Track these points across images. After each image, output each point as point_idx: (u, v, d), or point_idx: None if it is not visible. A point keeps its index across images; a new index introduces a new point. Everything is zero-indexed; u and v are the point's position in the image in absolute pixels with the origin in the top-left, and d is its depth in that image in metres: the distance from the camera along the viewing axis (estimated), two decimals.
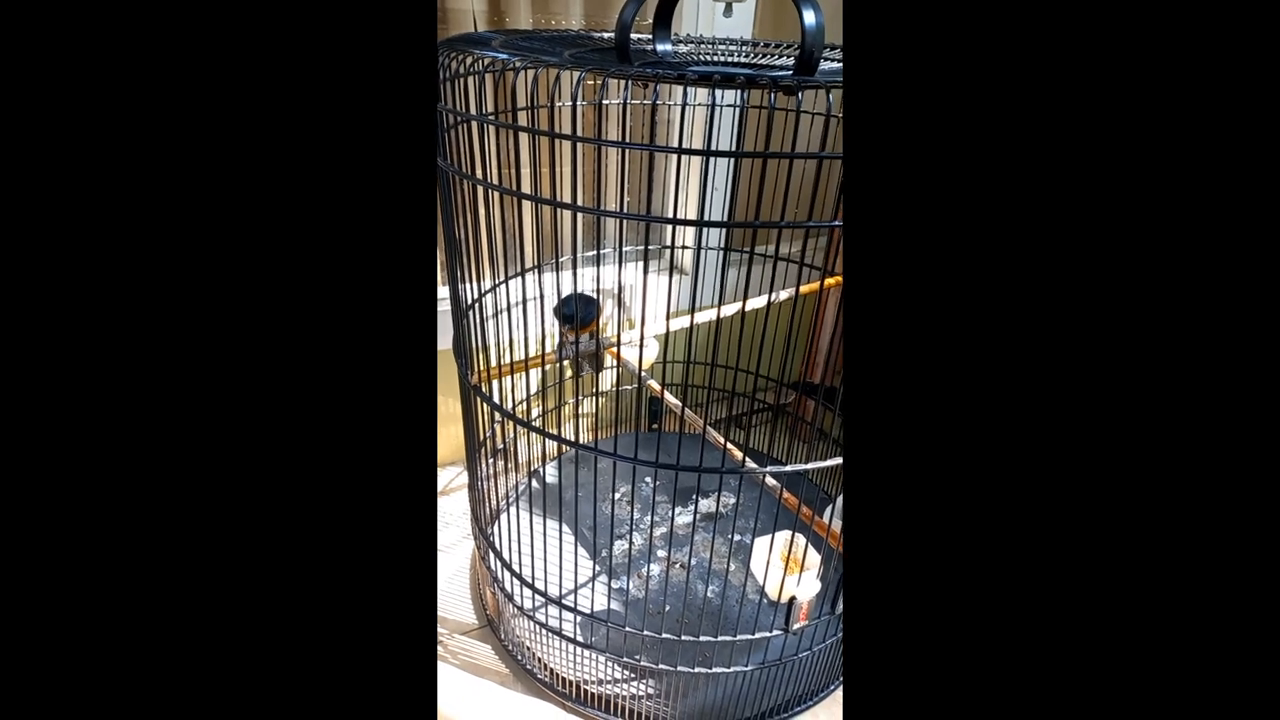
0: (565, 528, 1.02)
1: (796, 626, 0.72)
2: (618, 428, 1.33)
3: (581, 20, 1.10)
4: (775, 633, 0.74)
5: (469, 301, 0.73)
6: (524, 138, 0.58)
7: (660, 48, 0.76)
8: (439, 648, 0.91)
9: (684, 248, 1.26)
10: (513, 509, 1.03)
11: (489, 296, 0.77)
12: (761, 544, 0.76)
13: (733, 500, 1.12)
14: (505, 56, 0.59)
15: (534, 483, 1.13)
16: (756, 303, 0.97)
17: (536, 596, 0.81)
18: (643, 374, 1.10)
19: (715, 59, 0.81)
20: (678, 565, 1.02)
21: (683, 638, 0.75)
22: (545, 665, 0.86)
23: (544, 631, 0.81)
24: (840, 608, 0.74)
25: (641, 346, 0.98)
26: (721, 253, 1.22)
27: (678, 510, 1.10)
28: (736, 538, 1.06)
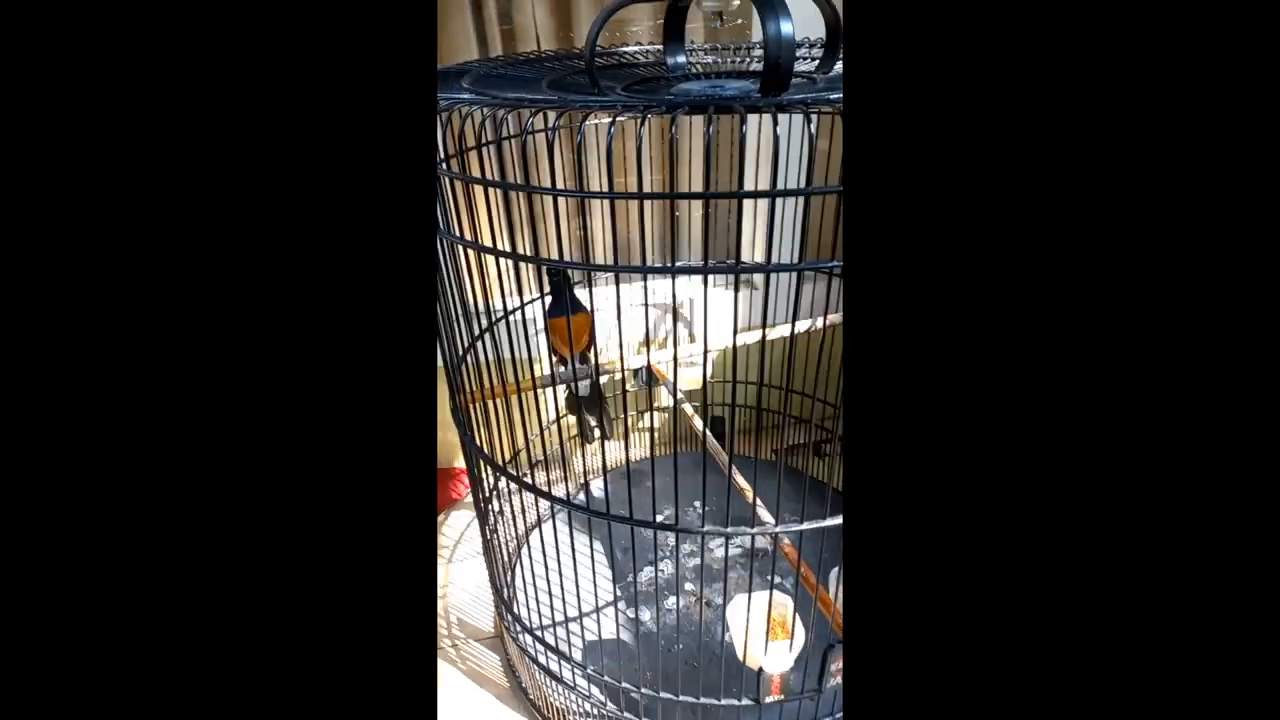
0: (595, 545, 1.01)
1: (769, 700, 0.65)
2: (677, 445, 1.29)
3: (652, 36, 1.07)
4: (768, 699, 0.67)
5: (461, 352, 0.70)
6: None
7: (671, 60, 0.72)
8: (452, 651, 0.94)
9: (753, 270, 1.18)
10: (538, 532, 1.03)
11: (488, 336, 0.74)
12: (743, 601, 0.70)
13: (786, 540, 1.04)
14: (468, 98, 0.57)
15: (581, 494, 1.13)
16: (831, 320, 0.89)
17: (540, 634, 0.79)
18: (678, 395, 1.05)
19: (731, 69, 0.75)
20: (703, 601, 0.96)
21: (681, 698, 0.71)
22: (543, 693, 0.85)
23: (545, 667, 0.80)
24: (829, 684, 0.66)
25: (676, 365, 0.94)
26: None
27: (716, 544, 1.05)
28: (778, 579, 0.98)
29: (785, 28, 0.50)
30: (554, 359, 0.86)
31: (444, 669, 0.91)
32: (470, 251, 0.59)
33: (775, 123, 0.40)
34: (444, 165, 0.58)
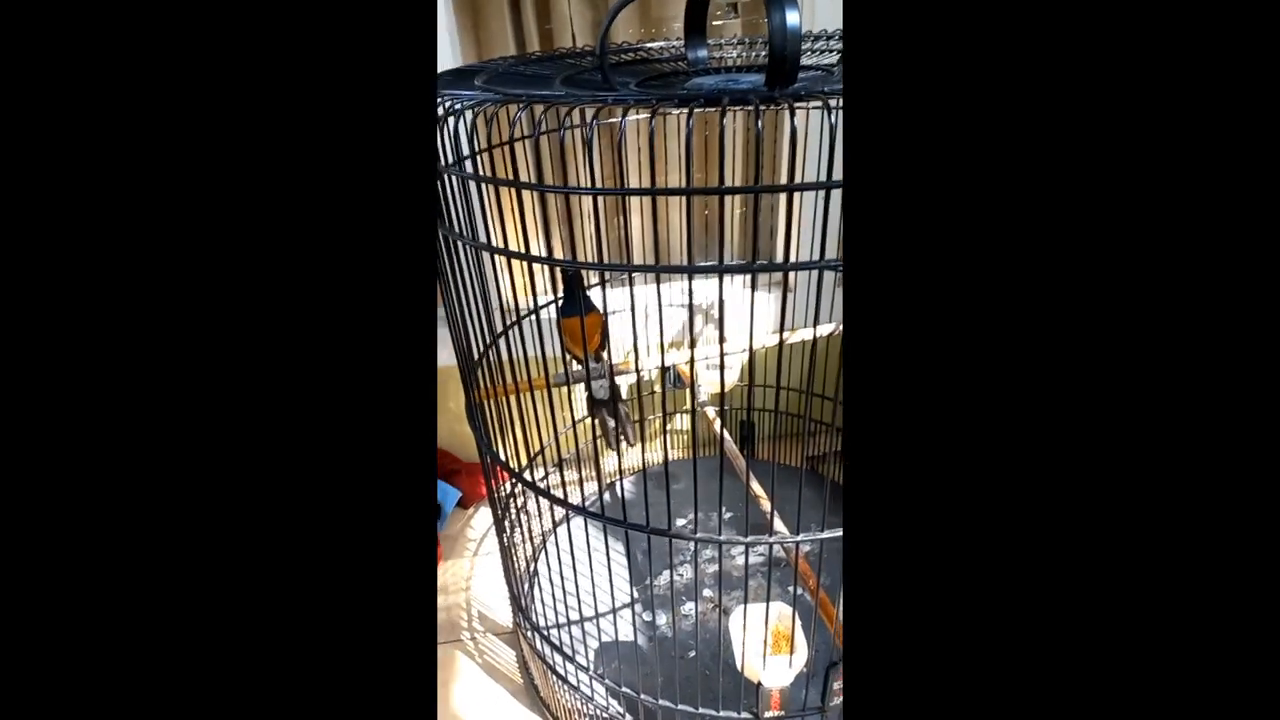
0: (612, 548, 1.00)
1: (768, 716, 0.63)
2: (696, 450, 1.27)
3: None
4: (767, 714, 0.65)
5: (479, 353, 0.70)
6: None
7: (692, 55, 0.70)
8: (470, 644, 0.95)
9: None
10: (555, 534, 1.03)
11: (501, 341, 0.74)
12: (753, 611, 0.68)
13: (807, 549, 1.01)
14: (475, 96, 0.57)
15: (605, 496, 1.12)
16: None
17: (548, 635, 0.80)
18: (700, 401, 1.03)
19: (754, 63, 0.73)
20: (717, 607, 0.95)
21: (679, 707, 0.69)
22: (552, 691, 0.85)
23: (552, 667, 0.80)
24: (833, 703, 0.64)
25: (693, 366, 0.92)
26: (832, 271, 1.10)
27: (737, 551, 1.02)
28: (800, 591, 0.95)
29: (791, 19, 0.48)
30: (568, 358, 0.86)
31: (461, 661, 0.92)
32: (471, 249, 0.60)
33: (758, 117, 0.39)
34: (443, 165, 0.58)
